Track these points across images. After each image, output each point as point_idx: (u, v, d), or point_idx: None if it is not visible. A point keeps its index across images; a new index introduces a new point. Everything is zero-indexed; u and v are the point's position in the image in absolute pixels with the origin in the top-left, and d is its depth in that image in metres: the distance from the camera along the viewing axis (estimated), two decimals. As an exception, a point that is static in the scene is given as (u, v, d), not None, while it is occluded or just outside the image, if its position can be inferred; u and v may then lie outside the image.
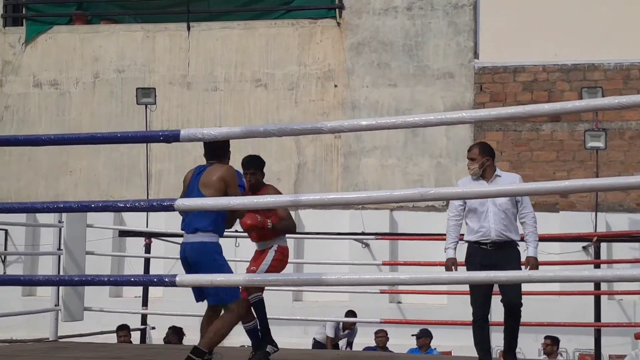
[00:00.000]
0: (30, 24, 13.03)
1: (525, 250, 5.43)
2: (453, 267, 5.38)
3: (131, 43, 12.68)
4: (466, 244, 5.52)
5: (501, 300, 5.37)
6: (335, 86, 12.06)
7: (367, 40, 12.04)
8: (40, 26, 12.97)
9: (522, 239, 5.51)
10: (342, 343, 10.12)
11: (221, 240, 12.64)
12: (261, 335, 5.54)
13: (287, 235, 5.96)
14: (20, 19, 13.22)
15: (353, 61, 12.04)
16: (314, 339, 10.09)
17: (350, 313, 9.89)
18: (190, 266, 4.79)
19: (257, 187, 5.64)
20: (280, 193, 5.61)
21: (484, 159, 5.54)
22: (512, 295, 5.33)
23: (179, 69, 12.52)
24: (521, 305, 5.38)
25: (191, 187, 4.92)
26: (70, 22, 13.13)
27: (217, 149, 5.04)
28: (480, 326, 5.43)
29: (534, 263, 5.35)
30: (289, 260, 5.73)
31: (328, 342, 9.93)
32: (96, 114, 12.51)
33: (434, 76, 11.80)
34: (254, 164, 5.69)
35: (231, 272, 4.94)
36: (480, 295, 5.35)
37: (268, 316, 9.66)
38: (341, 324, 9.92)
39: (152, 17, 12.99)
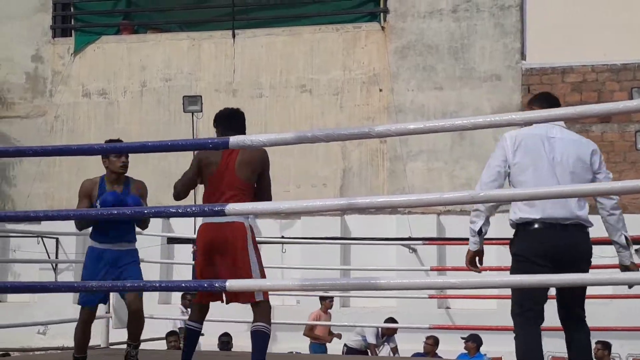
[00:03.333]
0: (78, 35, 13.24)
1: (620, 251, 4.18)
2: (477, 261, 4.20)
3: (177, 51, 12.81)
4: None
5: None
6: (380, 90, 12.03)
7: (412, 44, 11.99)
8: (88, 37, 13.18)
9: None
10: (385, 350, 10.05)
11: (268, 247, 12.69)
12: None
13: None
14: (69, 30, 13.45)
15: (398, 65, 11.99)
16: (346, 345, 10.06)
17: (391, 320, 9.83)
18: None
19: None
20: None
21: (528, 110, 4.23)
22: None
23: (224, 76, 12.61)
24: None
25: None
26: (117, 32, 13.32)
27: None
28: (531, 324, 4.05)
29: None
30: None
31: (371, 348, 9.88)
32: (144, 123, 12.66)
33: (480, 78, 11.70)
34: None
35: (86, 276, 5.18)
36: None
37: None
38: (380, 330, 9.87)
39: (198, 25, 13.12)
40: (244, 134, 4.73)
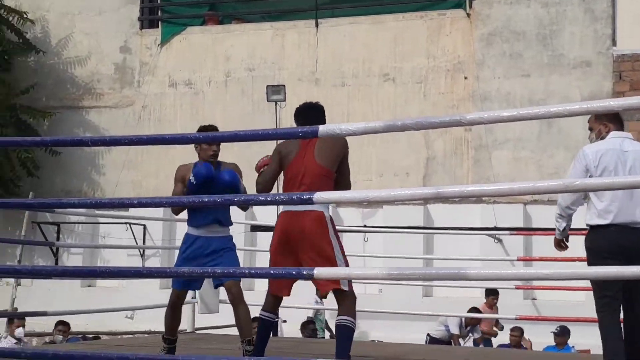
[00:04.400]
0: (165, 26, 13.49)
1: None
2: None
3: (261, 41, 12.91)
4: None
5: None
6: (465, 78, 11.86)
7: (499, 31, 11.77)
8: (174, 27, 13.41)
9: None
10: (469, 341, 9.94)
11: (350, 235, 12.67)
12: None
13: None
14: (155, 21, 13.71)
15: (484, 52, 11.79)
16: (429, 335, 9.98)
17: (474, 310, 9.71)
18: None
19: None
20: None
21: (600, 125, 4.78)
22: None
23: (307, 65, 12.64)
24: None
25: None
26: (203, 23, 13.51)
27: None
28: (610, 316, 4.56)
29: None
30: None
31: (454, 339, 9.78)
32: (228, 112, 12.80)
33: (569, 65, 11.40)
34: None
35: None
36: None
37: (397, 310, 9.66)
38: (463, 320, 9.74)
39: (282, 15, 13.19)
40: None
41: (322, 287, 4.62)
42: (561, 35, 11.51)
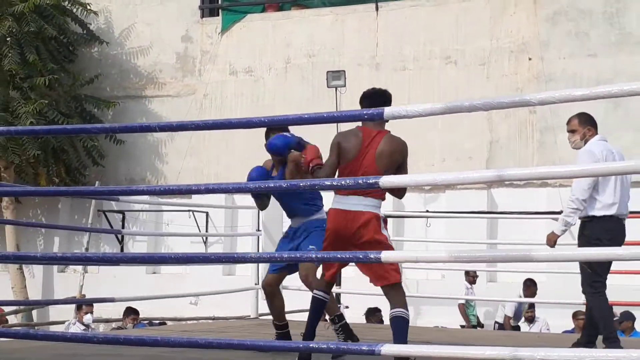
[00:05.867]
0: (225, 14, 13.55)
1: None
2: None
3: (321, 27, 12.87)
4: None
5: None
6: (530, 59, 11.61)
7: (564, 10, 11.49)
8: (235, 15, 13.46)
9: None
10: (536, 326, 9.79)
11: (412, 221, 12.54)
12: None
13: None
14: (216, 9, 13.79)
15: (549, 32, 11.53)
16: (496, 322, 9.86)
17: (529, 280, 9.55)
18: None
19: None
20: None
21: (584, 129, 5.41)
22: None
23: (367, 50, 12.55)
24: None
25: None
26: (263, 10, 13.52)
27: None
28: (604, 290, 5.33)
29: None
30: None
31: (506, 321, 9.65)
32: (288, 99, 12.81)
33: (637, 44, 11.08)
34: None
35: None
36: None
37: (460, 296, 9.54)
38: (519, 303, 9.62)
39: (341, 0, 13.11)
40: None
41: (377, 282, 4.59)
42: (628, 13, 11.19)
